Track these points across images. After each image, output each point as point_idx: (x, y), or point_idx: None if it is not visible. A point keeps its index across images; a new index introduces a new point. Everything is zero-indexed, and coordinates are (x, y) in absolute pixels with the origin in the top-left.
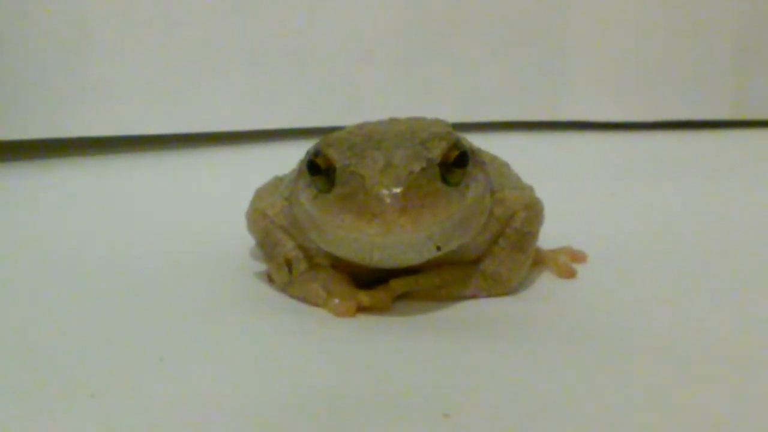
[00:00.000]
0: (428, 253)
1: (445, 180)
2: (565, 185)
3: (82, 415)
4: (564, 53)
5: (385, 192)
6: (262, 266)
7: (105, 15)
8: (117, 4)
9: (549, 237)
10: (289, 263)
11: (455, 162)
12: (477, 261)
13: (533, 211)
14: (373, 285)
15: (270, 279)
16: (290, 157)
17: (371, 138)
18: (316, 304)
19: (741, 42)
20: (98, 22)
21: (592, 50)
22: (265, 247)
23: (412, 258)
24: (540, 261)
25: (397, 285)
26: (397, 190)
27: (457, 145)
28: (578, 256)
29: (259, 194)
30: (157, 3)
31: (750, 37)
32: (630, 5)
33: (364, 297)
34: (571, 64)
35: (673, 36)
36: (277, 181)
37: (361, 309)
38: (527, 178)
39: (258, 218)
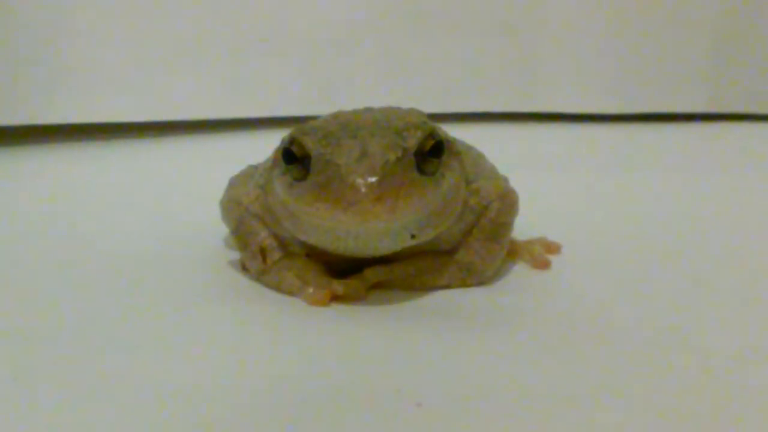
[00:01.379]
0: (403, 242)
1: (420, 169)
2: (540, 176)
3: (54, 403)
4: (540, 45)
5: (360, 181)
6: (236, 255)
7: (82, 3)
8: None
9: (524, 228)
10: (263, 252)
11: (431, 151)
12: (452, 251)
13: (508, 201)
14: (347, 274)
15: (244, 268)
16: (265, 146)
17: (347, 127)
18: (291, 293)
19: (717, 36)
20: (75, 10)
21: (568, 42)
22: (240, 235)
23: (387, 246)
24: (514, 252)
25: (372, 274)
26: (373, 179)
27: (432, 134)
28: (552, 247)
29: (234, 183)
30: None
31: (726, 31)
32: None
33: (339, 286)
34: (548, 56)
35: (650, 29)
36: (252, 170)
37: (336, 298)
38: (502, 169)
39: (232, 207)
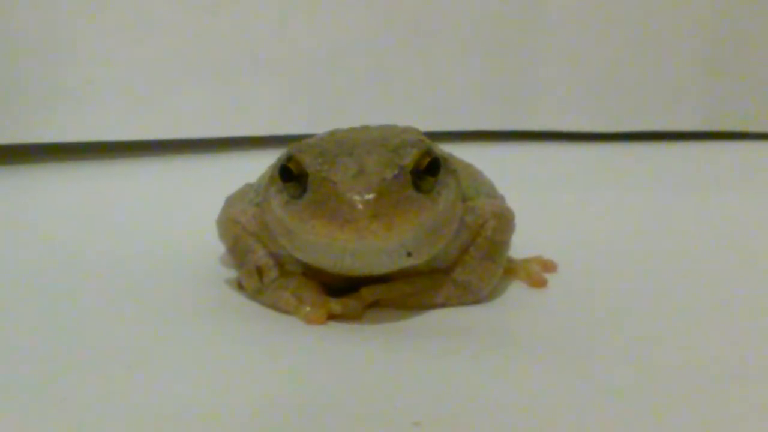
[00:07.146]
0: (399, 260)
1: (416, 187)
2: (536, 195)
3: (53, 419)
4: (537, 64)
5: (357, 198)
6: (232, 273)
7: (77, 22)
8: (89, 11)
9: (520, 246)
10: (260, 270)
11: (427, 169)
12: (448, 270)
13: (504, 220)
14: (344, 293)
15: (240, 286)
16: (262, 164)
17: (343, 144)
18: (287, 312)
19: (710, 55)
20: (70, 29)
21: (564, 62)
22: (236, 254)
23: (384, 264)
24: (511, 270)
25: (368, 293)
26: (369, 196)
27: (429, 152)
28: (549, 266)
29: (231, 201)
30: (129, 10)
31: (718, 50)
32: (602, 18)
33: (335, 305)
34: (544, 75)
35: (644, 49)
36: (249, 189)
37: (332, 317)
38: (499, 188)
39: (229, 225)
